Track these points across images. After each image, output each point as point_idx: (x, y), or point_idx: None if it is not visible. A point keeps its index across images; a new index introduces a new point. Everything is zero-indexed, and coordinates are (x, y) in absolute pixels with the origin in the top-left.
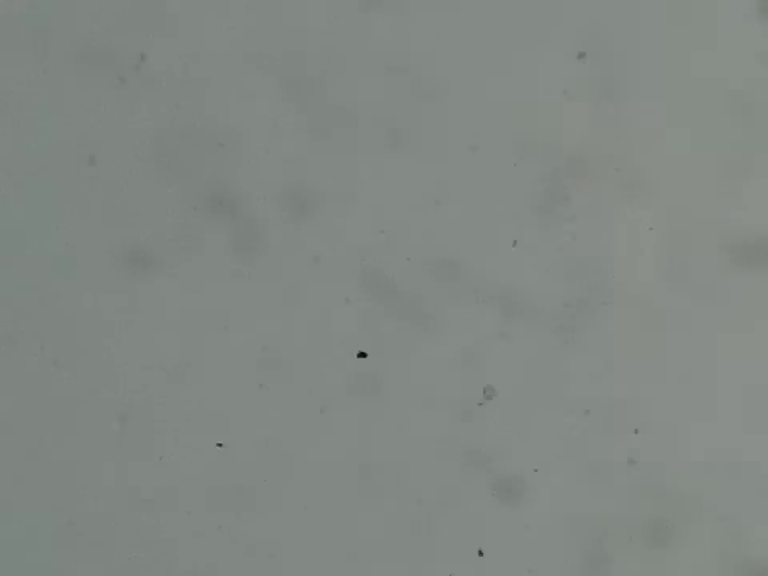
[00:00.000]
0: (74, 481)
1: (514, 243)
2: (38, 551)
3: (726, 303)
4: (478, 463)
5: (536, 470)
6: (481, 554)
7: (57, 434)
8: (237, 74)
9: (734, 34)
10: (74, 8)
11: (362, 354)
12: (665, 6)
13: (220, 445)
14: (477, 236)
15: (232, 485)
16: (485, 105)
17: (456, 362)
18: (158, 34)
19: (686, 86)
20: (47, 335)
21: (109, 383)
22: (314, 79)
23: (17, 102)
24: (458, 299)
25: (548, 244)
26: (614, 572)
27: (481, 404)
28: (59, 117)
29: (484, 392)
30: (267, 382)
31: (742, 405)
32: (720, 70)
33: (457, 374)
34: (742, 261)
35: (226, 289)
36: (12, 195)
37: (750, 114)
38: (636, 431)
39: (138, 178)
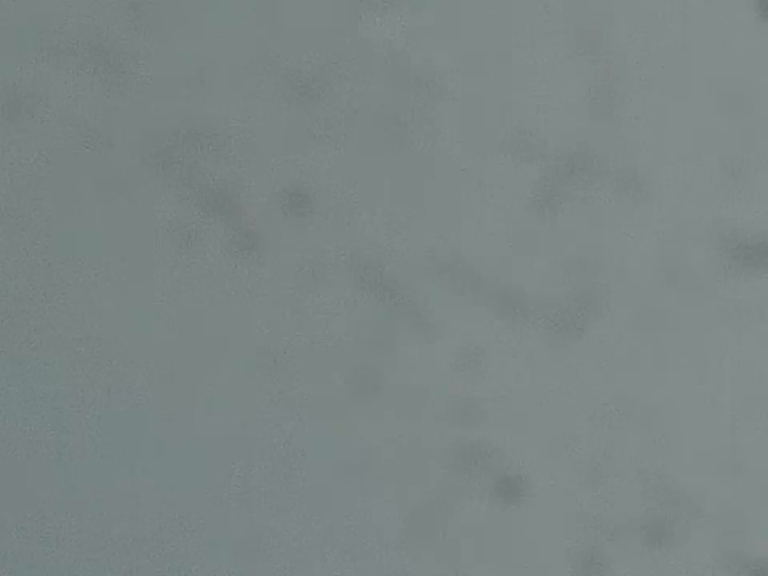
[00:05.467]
0: (76, 477)
1: (513, 243)
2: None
3: (725, 303)
4: (478, 463)
5: (536, 470)
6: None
7: (56, 435)
8: (237, 74)
9: (734, 34)
10: (74, 7)
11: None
12: (665, 6)
13: (218, 443)
14: (476, 235)
15: (230, 483)
16: (484, 104)
17: (456, 361)
18: (158, 33)
19: (685, 85)
20: (42, 327)
21: (107, 381)
22: (314, 79)
23: (16, 102)
24: (457, 299)
25: (546, 244)
26: (614, 572)
27: (481, 403)
28: (59, 116)
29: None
30: (267, 381)
31: (742, 404)
32: (720, 69)
33: (456, 373)
34: (741, 261)
35: (226, 288)
36: (17, 200)
37: (749, 113)
38: (635, 431)
39: (138, 178)
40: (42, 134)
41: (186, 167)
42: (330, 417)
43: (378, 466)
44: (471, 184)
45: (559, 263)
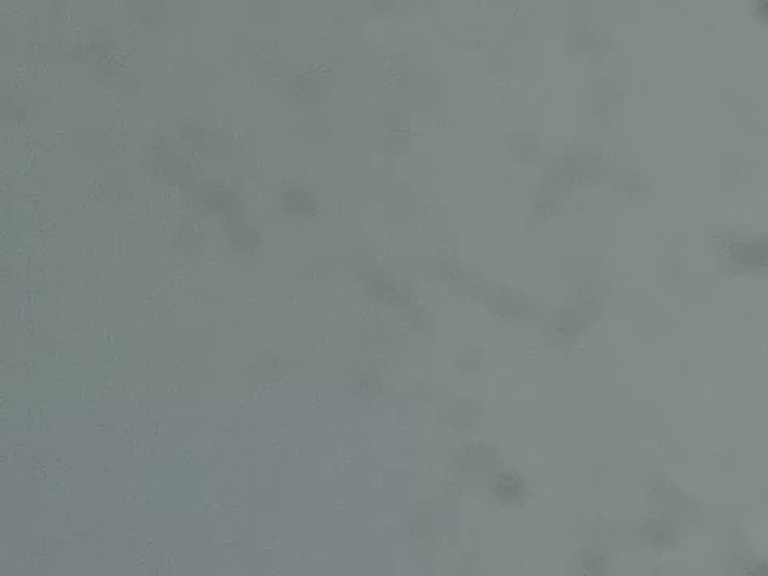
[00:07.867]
0: (75, 478)
1: (512, 243)
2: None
3: (725, 303)
4: (478, 463)
5: (536, 470)
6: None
7: (54, 437)
8: (237, 74)
9: (733, 34)
10: (74, 6)
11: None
12: (665, 6)
13: (218, 444)
14: (476, 235)
15: (229, 484)
16: (484, 104)
17: (455, 361)
18: (158, 33)
19: (686, 85)
20: (41, 327)
21: (105, 382)
22: (314, 79)
23: (16, 102)
24: (457, 299)
25: (546, 244)
26: (614, 572)
27: (481, 403)
28: (59, 116)
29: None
30: (266, 381)
31: (742, 404)
32: (720, 70)
33: (456, 373)
34: (741, 261)
35: (226, 288)
36: (17, 201)
37: (749, 113)
38: (635, 431)
39: (138, 178)
40: (42, 134)
41: (186, 167)
42: (330, 417)
43: (377, 466)
44: (471, 184)
45: (559, 263)
